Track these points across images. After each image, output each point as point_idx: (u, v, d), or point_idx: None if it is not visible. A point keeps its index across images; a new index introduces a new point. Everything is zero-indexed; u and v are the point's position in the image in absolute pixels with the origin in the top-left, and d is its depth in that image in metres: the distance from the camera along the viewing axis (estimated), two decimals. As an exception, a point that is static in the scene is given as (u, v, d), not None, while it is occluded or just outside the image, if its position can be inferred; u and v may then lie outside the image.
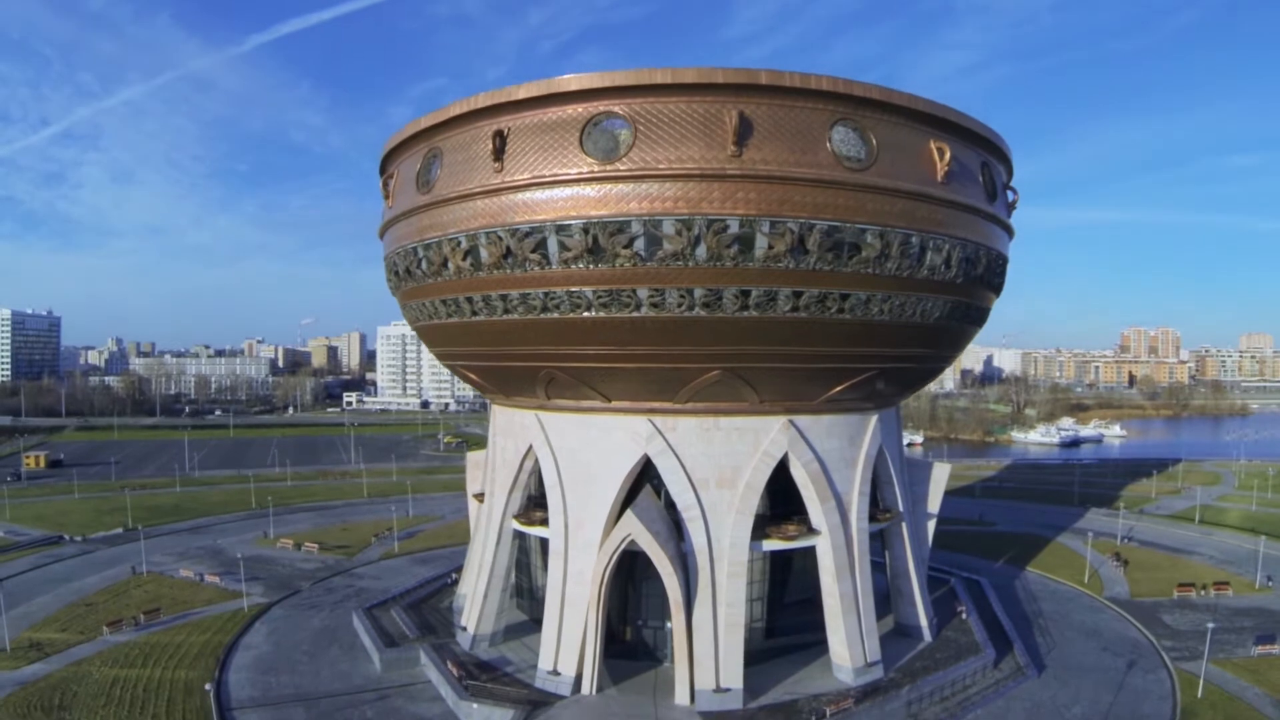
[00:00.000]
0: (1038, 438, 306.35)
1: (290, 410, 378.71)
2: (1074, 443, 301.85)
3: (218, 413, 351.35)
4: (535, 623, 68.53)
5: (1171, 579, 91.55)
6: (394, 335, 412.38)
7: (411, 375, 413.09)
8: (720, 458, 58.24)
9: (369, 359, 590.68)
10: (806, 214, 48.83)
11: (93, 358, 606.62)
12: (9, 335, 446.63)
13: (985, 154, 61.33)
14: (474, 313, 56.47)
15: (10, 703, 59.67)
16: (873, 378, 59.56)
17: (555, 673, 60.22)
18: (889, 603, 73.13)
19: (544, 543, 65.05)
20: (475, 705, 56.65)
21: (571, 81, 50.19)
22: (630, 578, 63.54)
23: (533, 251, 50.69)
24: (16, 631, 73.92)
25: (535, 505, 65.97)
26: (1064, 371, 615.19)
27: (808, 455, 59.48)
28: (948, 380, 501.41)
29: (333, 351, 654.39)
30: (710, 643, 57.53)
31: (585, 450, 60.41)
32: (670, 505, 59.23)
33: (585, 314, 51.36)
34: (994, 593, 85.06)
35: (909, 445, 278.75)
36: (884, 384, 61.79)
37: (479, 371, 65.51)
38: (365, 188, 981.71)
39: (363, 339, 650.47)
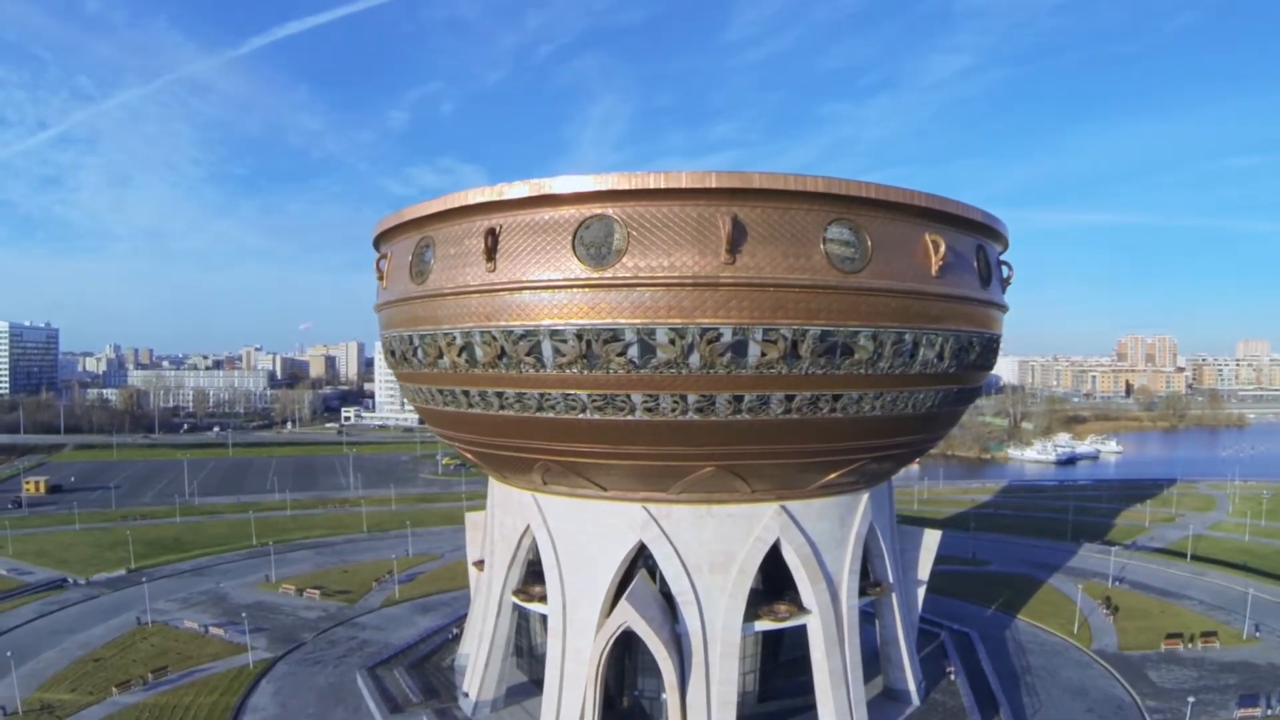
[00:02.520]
0: (1034, 455, 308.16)
1: (288, 426, 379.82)
2: (1070, 460, 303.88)
3: (216, 430, 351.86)
4: (535, 684, 69.85)
5: (1160, 628, 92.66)
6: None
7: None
8: (713, 544, 59.44)
9: (367, 368, 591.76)
10: (800, 320, 49.84)
11: (90, 365, 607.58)
12: (7, 348, 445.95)
13: (980, 237, 62.18)
14: (470, 405, 57.74)
15: (24, 773, 61.02)
16: (863, 466, 60.85)
17: (555, 745, 61.47)
18: (878, 662, 74.19)
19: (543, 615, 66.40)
20: (477, 779, 57.98)
21: (563, 183, 51.07)
22: (627, 648, 64.53)
23: (527, 354, 51.82)
24: (27, 691, 74.95)
25: (534, 578, 67.12)
26: (1061, 380, 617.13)
27: (799, 539, 60.70)
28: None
29: (331, 361, 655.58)
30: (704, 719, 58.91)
31: (581, 534, 61.66)
32: (665, 587, 60.56)
33: (580, 415, 52.53)
34: (983, 646, 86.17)
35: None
36: (875, 467, 63.00)
37: (475, 454, 66.74)
38: (362, 192, 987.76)
39: (361, 348, 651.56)
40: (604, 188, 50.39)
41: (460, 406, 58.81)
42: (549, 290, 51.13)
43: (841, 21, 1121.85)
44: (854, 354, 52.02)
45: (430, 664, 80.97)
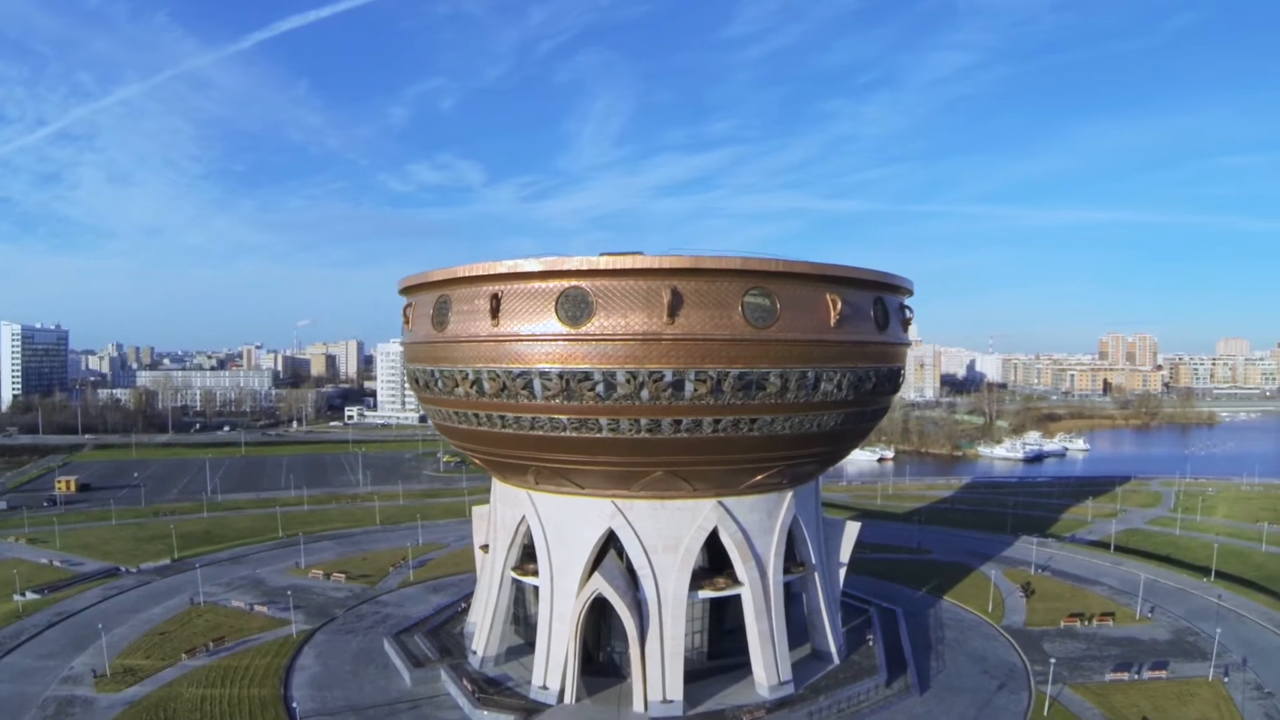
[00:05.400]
0: (1003, 453, 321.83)
1: (295, 424, 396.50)
2: (1038, 457, 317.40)
3: (227, 429, 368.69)
4: (529, 645, 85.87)
5: (1066, 609, 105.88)
6: (393, 352, 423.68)
7: (411, 391, 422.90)
8: (666, 530, 76.63)
9: (367, 365, 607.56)
10: (723, 365, 66.86)
11: (94, 363, 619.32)
12: (20, 350, 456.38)
13: (877, 291, 78.42)
14: (479, 424, 75.05)
15: (124, 719, 76.50)
16: (783, 470, 77.83)
17: (544, 687, 78.41)
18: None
19: (536, 586, 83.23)
20: (485, 713, 75.71)
21: (548, 263, 68.36)
22: (602, 615, 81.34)
23: (522, 389, 69.05)
24: (110, 658, 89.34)
25: (528, 557, 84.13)
26: (1042, 378, 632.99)
27: (733, 527, 77.86)
28: (927, 389, 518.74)
29: (331, 359, 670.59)
30: (659, 667, 75.74)
31: (564, 522, 78.80)
32: (629, 563, 77.52)
33: (562, 434, 69.85)
34: (905, 622, 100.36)
35: (880, 460, 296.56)
36: (795, 471, 79.82)
37: (483, 460, 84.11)
38: (361, 188, 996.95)
39: (360, 346, 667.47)
40: (579, 268, 67.63)
41: (471, 425, 76.11)
42: (538, 342, 68.43)
43: (842, 19, 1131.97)
44: (765, 389, 68.92)
45: (444, 631, 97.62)
